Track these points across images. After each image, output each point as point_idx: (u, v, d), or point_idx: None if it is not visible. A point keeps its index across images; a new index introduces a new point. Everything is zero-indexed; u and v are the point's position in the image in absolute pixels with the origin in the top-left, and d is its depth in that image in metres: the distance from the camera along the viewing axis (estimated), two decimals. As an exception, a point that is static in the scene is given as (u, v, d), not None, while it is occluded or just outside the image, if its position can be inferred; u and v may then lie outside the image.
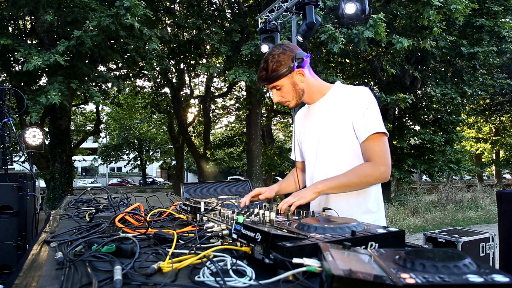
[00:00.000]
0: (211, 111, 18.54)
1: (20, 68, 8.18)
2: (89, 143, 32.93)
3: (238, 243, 1.05)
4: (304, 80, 1.62)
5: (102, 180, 38.14)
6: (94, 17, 7.90)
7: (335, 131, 1.61)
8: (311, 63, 1.70)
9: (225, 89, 18.00)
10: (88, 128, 21.56)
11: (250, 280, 0.82)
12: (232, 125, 21.36)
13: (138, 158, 31.30)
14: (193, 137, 19.20)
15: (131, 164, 32.15)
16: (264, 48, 6.74)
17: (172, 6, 13.22)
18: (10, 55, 9.32)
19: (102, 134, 28.23)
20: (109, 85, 12.16)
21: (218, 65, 11.98)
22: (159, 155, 31.36)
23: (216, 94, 18.27)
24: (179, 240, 1.19)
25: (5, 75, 10.49)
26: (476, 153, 25.79)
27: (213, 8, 13.59)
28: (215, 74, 12.17)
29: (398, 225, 8.60)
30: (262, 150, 15.16)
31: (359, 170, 1.54)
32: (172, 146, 22.49)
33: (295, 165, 1.98)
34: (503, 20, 12.26)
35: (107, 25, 7.84)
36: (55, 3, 8.66)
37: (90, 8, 8.18)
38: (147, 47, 9.52)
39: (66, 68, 8.38)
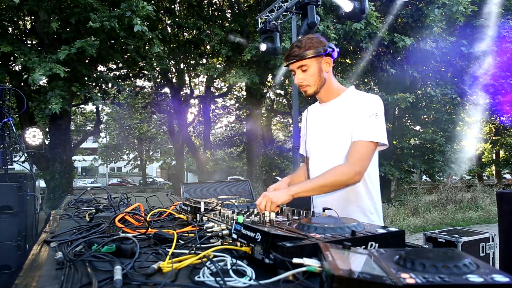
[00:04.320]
0: (211, 111, 18.54)
1: (21, 72, 8.22)
2: (89, 143, 32.91)
3: (238, 243, 1.05)
4: (328, 71, 1.68)
5: (102, 180, 38.07)
6: (97, 18, 7.90)
7: (340, 134, 1.64)
8: None
9: (225, 89, 18.00)
10: (88, 128, 21.56)
11: (250, 280, 0.82)
12: (232, 125, 21.36)
13: (138, 158, 31.28)
14: (193, 137, 19.19)
15: (131, 164, 32.12)
16: (263, 47, 6.76)
17: (172, 6, 13.21)
18: (11, 56, 9.33)
19: (102, 134, 28.22)
20: (109, 85, 12.17)
21: (218, 66, 11.98)
22: (159, 155, 31.35)
23: (216, 94, 18.27)
24: (179, 240, 1.19)
25: (5, 74, 10.50)
26: (476, 153, 25.76)
27: (213, 8, 13.59)
28: (215, 75, 12.18)
29: (398, 225, 8.60)
30: (262, 150, 15.17)
31: (335, 169, 1.55)
32: (172, 146, 22.49)
33: (304, 160, 2.00)
34: (502, 21, 12.26)
35: (112, 27, 7.87)
36: (56, 6, 8.67)
37: (92, 8, 8.18)
38: (147, 47, 9.52)
39: (67, 72, 8.42)
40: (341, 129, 1.64)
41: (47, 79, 7.76)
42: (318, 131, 1.77)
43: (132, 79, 13.59)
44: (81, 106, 18.41)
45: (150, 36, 8.65)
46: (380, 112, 1.60)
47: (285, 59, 1.70)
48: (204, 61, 14.13)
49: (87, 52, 7.92)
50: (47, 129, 11.54)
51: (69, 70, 8.13)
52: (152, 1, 11.80)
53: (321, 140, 1.74)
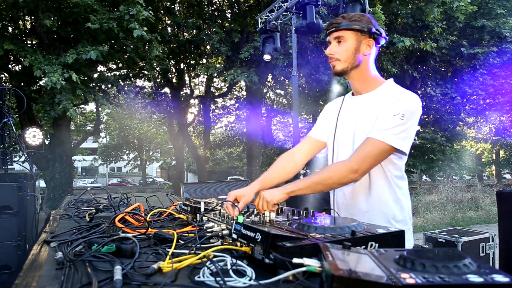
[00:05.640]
0: (211, 111, 18.54)
1: (38, 81, 8.26)
2: (89, 143, 32.91)
3: (238, 243, 1.05)
4: (367, 54, 1.52)
5: (102, 180, 38.06)
6: (96, 19, 7.93)
7: (368, 131, 1.49)
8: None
9: (225, 89, 18.00)
10: (88, 128, 21.56)
11: (250, 280, 0.82)
12: (232, 125, 21.36)
13: (138, 158, 31.30)
14: (193, 137, 19.18)
15: (131, 164, 32.15)
16: (267, 57, 6.92)
17: (172, 6, 13.22)
18: (10, 56, 9.34)
19: (102, 134, 28.23)
20: (109, 85, 12.18)
21: (218, 65, 11.99)
22: (159, 155, 31.36)
23: (216, 94, 18.27)
24: (179, 240, 1.19)
25: (5, 74, 10.52)
26: (476, 153, 25.79)
27: (213, 8, 13.60)
28: (215, 75, 12.19)
29: (398, 225, 8.58)
30: (262, 150, 15.17)
31: (331, 165, 1.49)
32: (172, 146, 22.49)
33: (300, 141, 1.82)
34: (503, 20, 12.27)
35: (110, 28, 7.90)
36: (56, 5, 8.68)
37: (91, 9, 8.20)
38: (147, 47, 9.54)
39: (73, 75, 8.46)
40: (370, 127, 1.48)
41: (57, 86, 7.79)
42: (348, 125, 1.61)
43: (132, 79, 13.59)
44: (81, 106, 18.42)
45: (149, 38, 8.68)
46: (409, 113, 1.41)
47: (326, 27, 1.57)
48: (204, 61, 14.15)
49: (98, 58, 8.01)
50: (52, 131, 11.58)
51: (78, 74, 8.21)
52: (153, 4, 11.82)
53: (350, 135, 1.60)
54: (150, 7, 8.20)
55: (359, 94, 1.62)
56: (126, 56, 10.52)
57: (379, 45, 1.56)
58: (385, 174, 1.53)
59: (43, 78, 7.63)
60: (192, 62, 14.29)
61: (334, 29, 1.52)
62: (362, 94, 1.61)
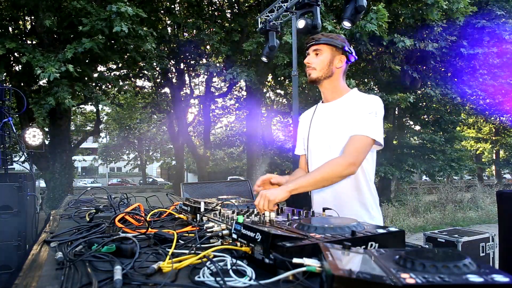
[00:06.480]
0: (211, 111, 18.54)
1: (37, 77, 8.24)
2: (89, 143, 32.89)
3: (238, 243, 1.05)
4: (339, 67, 1.75)
5: (102, 180, 38.01)
6: (88, 22, 7.95)
7: (341, 133, 1.67)
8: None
9: (225, 89, 18.00)
10: (88, 128, 21.57)
11: (250, 280, 0.82)
12: (232, 125, 21.34)
13: (138, 158, 31.29)
14: (193, 137, 19.18)
15: (131, 164, 32.13)
16: (265, 60, 7.04)
17: (172, 6, 13.22)
18: (10, 55, 9.34)
19: (102, 134, 28.21)
20: (109, 85, 12.18)
21: (218, 64, 11.99)
22: (159, 155, 31.36)
23: (216, 94, 18.27)
24: (179, 240, 1.19)
25: (5, 75, 10.52)
26: (476, 153, 25.77)
27: (213, 8, 13.60)
28: (215, 74, 12.19)
29: (398, 225, 8.60)
30: (262, 150, 15.18)
31: (329, 162, 1.57)
32: (172, 146, 22.49)
33: (299, 162, 2.01)
34: (503, 21, 12.28)
35: (101, 29, 7.92)
36: (56, 5, 8.69)
37: (86, 11, 8.22)
38: (143, 47, 9.56)
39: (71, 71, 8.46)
40: (343, 128, 1.66)
41: (46, 79, 7.75)
42: (321, 129, 1.79)
43: (132, 79, 13.58)
44: (81, 106, 18.41)
45: (142, 34, 8.67)
46: (379, 112, 1.64)
47: (307, 41, 1.80)
48: (204, 61, 14.16)
49: (94, 50, 7.99)
50: (46, 129, 11.56)
51: (78, 69, 8.21)
52: (153, 4, 11.81)
53: (323, 138, 1.76)
54: (128, 1, 8.15)
55: (328, 101, 1.82)
56: (126, 56, 10.52)
57: (349, 62, 1.80)
58: (361, 166, 1.66)
59: (41, 76, 7.60)
60: (192, 62, 14.29)
61: (314, 42, 1.75)
62: (330, 102, 1.81)
